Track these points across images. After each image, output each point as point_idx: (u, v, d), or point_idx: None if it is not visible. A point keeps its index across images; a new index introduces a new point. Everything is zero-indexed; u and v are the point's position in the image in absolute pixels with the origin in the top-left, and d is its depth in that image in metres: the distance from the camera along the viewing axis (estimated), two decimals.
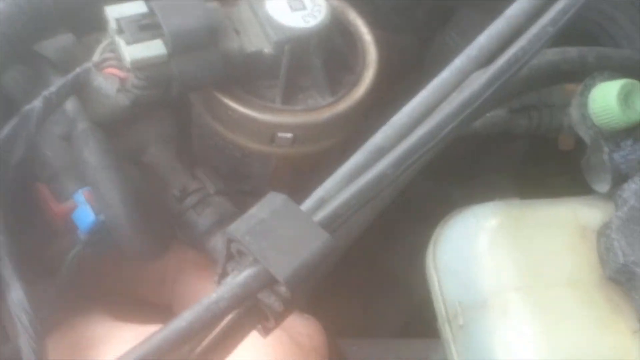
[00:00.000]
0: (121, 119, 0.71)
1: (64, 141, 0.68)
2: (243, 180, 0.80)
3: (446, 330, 0.68)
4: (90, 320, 0.67)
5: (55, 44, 0.74)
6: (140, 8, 0.66)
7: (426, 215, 0.78)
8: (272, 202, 0.49)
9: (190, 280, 0.73)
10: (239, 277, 0.47)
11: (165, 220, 0.71)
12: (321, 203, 0.53)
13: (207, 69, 0.67)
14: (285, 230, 0.48)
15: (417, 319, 0.93)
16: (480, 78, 0.57)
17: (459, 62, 0.60)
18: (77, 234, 0.66)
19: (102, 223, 0.65)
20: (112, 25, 0.65)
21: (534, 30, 0.59)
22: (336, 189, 0.53)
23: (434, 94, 0.59)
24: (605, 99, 0.69)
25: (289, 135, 0.72)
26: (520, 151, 1.13)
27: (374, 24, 0.80)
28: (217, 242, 0.70)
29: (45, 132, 0.68)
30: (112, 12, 0.65)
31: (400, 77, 1.02)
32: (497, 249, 0.68)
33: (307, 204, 0.53)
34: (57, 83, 0.65)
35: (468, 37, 1.00)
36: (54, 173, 0.68)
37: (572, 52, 0.79)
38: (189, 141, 0.81)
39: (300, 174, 0.81)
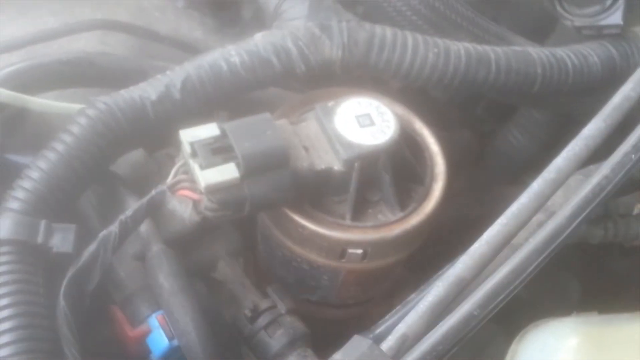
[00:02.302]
0: (192, 236, 0.71)
1: (137, 261, 0.69)
2: (310, 290, 0.79)
3: None
4: None
5: (127, 161, 0.75)
6: (213, 131, 0.67)
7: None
8: (357, 348, 0.48)
9: None
10: None
11: (235, 343, 0.70)
12: (404, 341, 0.51)
13: (279, 190, 0.67)
14: None
15: None
16: (564, 211, 0.55)
17: (536, 186, 0.59)
18: (150, 357, 0.65)
19: (176, 348, 0.64)
20: (186, 148, 0.66)
21: (616, 157, 0.58)
22: (420, 326, 0.52)
23: (513, 220, 0.58)
24: None
25: (359, 251, 0.71)
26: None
27: (432, 120, 0.80)
28: None
29: (119, 253, 0.68)
30: (186, 136, 0.66)
31: (458, 171, 1.02)
32: None
33: (390, 341, 0.52)
34: (132, 207, 0.66)
35: (531, 136, 1.00)
36: (128, 295, 0.68)
37: None
38: (255, 254, 0.81)
39: (368, 284, 0.80)
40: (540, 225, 0.56)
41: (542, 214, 0.60)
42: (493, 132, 1.07)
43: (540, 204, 0.59)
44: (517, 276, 0.52)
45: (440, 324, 0.50)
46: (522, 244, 0.54)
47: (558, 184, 0.60)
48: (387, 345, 0.52)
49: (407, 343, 0.51)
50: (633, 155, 0.57)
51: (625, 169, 0.57)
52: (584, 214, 0.55)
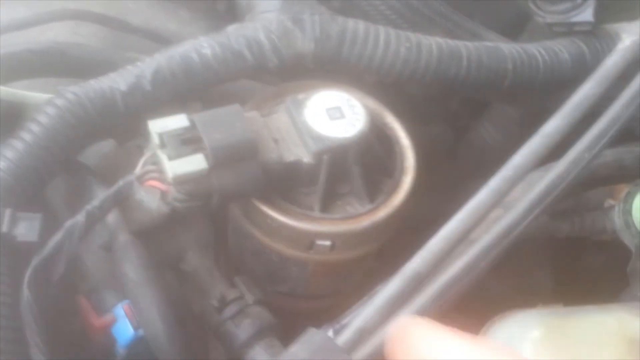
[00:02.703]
0: (159, 226, 0.71)
1: (104, 252, 0.69)
2: (280, 282, 0.79)
3: None
4: None
5: (96, 151, 0.75)
6: (182, 122, 0.67)
7: (463, 305, 0.77)
8: (312, 341, 0.48)
9: None
10: None
11: (201, 331, 0.70)
12: (360, 334, 0.51)
13: (247, 181, 0.67)
14: None
15: None
16: (519, 206, 0.56)
17: (494, 184, 0.60)
18: (116, 347, 0.66)
19: (141, 338, 0.64)
20: (155, 139, 0.66)
21: (570, 156, 0.58)
22: (376, 319, 0.52)
23: (470, 216, 0.58)
24: None
25: (328, 242, 0.71)
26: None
27: (405, 115, 0.81)
28: (256, 354, 0.69)
29: (86, 243, 0.68)
30: (155, 127, 0.66)
31: (431, 166, 1.02)
32: None
33: (346, 335, 0.52)
34: (99, 197, 0.66)
35: (505, 131, 1.01)
36: (93, 285, 0.68)
37: (608, 156, 0.78)
38: (226, 246, 0.81)
39: (337, 276, 0.80)
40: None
41: (501, 209, 0.61)
42: (467, 127, 1.07)
43: (497, 200, 0.59)
44: (471, 270, 0.53)
45: (395, 317, 0.50)
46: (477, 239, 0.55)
47: (515, 180, 0.60)
48: (343, 339, 0.52)
49: (363, 336, 0.51)
50: (586, 154, 0.58)
51: (578, 168, 0.58)
52: (537, 210, 0.56)
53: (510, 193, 0.60)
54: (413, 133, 0.79)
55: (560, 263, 1.10)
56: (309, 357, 0.47)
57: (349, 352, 0.49)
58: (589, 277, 1.17)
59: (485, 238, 0.54)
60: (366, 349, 0.49)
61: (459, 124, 1.09)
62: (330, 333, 0.56)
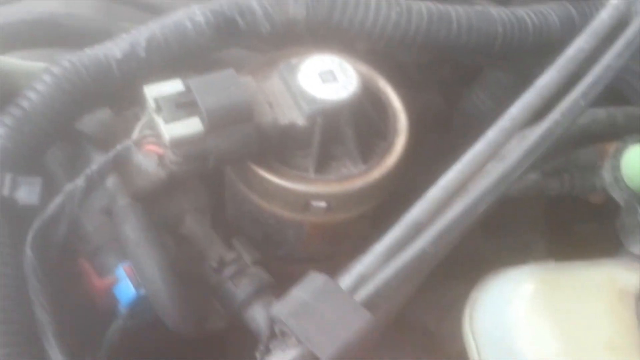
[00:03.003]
0: (158, 191, 0.72)
1: (104, 216, 0.70)
2: (277, 246, 0.81)
3: None
4: None
5: (94, 119, 0.76)
6: (177, 86, 0.68)
7: (458, 270, 0.78)
8: (313, 283, 0.50)
9: None
10: (283, 358, 0.48)
11: (201, 292, 0.72)
12: (361, 280, 0.53)
13: (243, 144, 0.68)
14: (327, 311, 0.49)
15: None
16: (515, 152, 0.57)
17: (491, 134, 0.61)
18: (119, 307, 0.67)
19: (143, 297, 0.66)
20: (151, 104, 0.67)
21: (566, 103, 0.60)
22: (375, 265, 0.54)
23: (468, 167, 0.60)
24: (637, 162, 0.69)
25: (323, 204, 0.73)
26: (549, 201, 1.13)
27: (398, 82, 0.82)
28: (255, 313, 0.70)
29: (86, 208, 0.69)
30: (151, 92, 0.67)
31: (426, 134, 1.03)
32: (535, 315, 0.67)
33: (347, 281, 0.54)
34: (98, 161, 0.67)
35: (496, 98, 1.02)
36: (95, 248, 0.69)
37: (601, 113, 0.80)
38: (223, 210, 0.82)
39: (333, 239, 0.82)
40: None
41: (497, 162, 0.62)
42: (459, 94, 1.08)
43: (494, 151, 0.61)
44: (469, 215, 0.54)
45: (394, 259, 0.52)
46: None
47: (512, 132, 0.62)
48: (344, 284, 0.54)
49: (364, 281, 0.53)
50: (582, 102, 0.59)
51: (574, 114, 0.59)
52: (533, 157, 0.57)
53: (506, 145, 0.61)
54: (405, 100, 0.80)
55: (554, 231, 1.11)
56: (310, 298, 0.48)
57: (350, 294, 0.50)
58: (581, 244, 1.18)
59: (482, 184, 0.55)
60: (366, 290, 0.50)
61: (450, 91, 1.10)
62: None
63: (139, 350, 0.71)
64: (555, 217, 1.11)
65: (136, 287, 0.66)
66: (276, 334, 0.51)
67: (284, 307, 0.49)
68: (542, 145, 0.58)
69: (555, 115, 0.59)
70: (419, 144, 0.82)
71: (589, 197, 0.93)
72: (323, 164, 0.73)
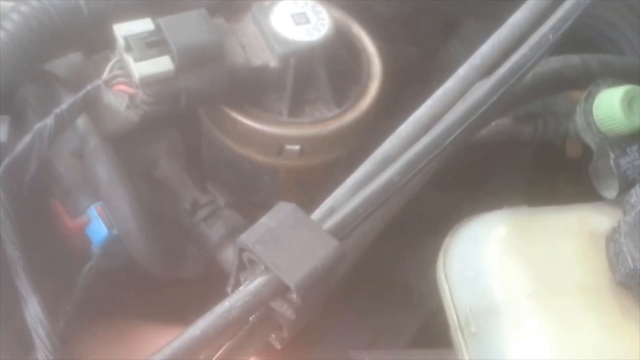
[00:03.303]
0: (131, 134, 0.72)
1: (76, 157, 0.70)
2: (253, 192, 0.81)
3: (458, 338, 0.68)
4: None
5: (65, 62, 0.75)
6: (147, 25, 0.67)
7: (435, 224, 0.79)
8: (282, 211, 0.50)
9: None
10: (250, 285, 0.48)
11: (176, 235, 0.72)
12: (331, 212, 0.53)
13: (214, 84, 0.68)
14: (295, 238, 0.49)
15: (430, 328, 0.93)
16: (483, 86, 0.57)
17: (462, 72, 0.61)
18: (91, 248, 0.67)
19: (115, 237, 0.65)
20: (121, 42, 0.66)
21: (535, 38, 0.60)
22: (345, 198, 0.54)
23: (439, 103, 0.60)
24: (609, 105, 0.69)
25: (297, 147, 0.73)
26: (528, 159, 1.13)
27: (376, 35, 0.82)
28: (229, 254, 0.71)
29: (57, 149, 0.69)
30: (120, 30, 0.67)
31: (404, 88, 1.03)
32: (507, 257, 0.68)
33: (317, 213, 0.54)
34: (68, 100, 0.66)
35: (472, 48, 1.01)
36: (67, 189, 0.69)
37: (575, 59, 0.79)
38: (199, 155, 0.82)
39: (308, 185, 0.81)
40: None
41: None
42: (437, 48, 1.08)
43: (465, 87, 0.61)
44: (437, 146, 0.54)
45: (363, 189, 0.52)
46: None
47: (483, 70, 0.62)
48: (314, 216, 0.54)
49: (333, 212, 0.53)
50: (551, 36, 0.59)
51: (543, 49, 0.59)
52: (502, 90, 0.57)
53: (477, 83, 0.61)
54: (383, 53, 0.80)
55: (535, 193, 1.11)
56: (278, 226, 0.48)
57: (319, 223, 0.50)
58: (560, 202, 1.19)
59: (451, 116, 0.55)
60: (334, 219, 0.50)
61: (429, 45, 1.10)
62: None
63: (113, 292, 0.71)
64: (534, 176, 1.12)
65: (108, 227, 0.66)
66: (245, 263, 0.51)
67: (251, 235, 0.49)
68: (510, 80, 0.58)
69: (523, 49, 0.59)
70: (396, 96, 0.82)
71: (567, 152, 0.93)
72: (297, 107, 0.73)
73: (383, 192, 0.52)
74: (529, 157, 1.13)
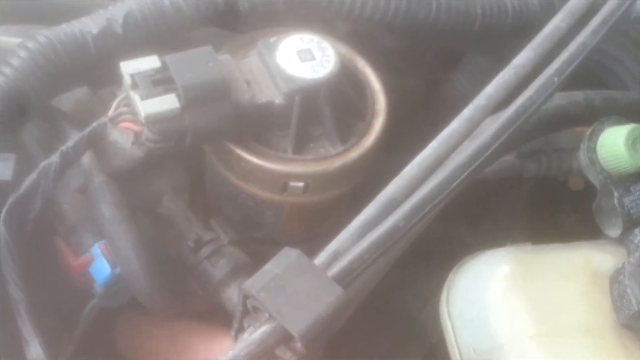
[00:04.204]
0: (135, 171, 0.72)
1: (80, 194, 0.69)
2: (255, 227, 0.80)
3: None
4: None
5: (70, 97, 0.76)
6: (153, 63, 0.67)
7: (438, 257, 0.79)
8: (287, 258, 0.50)
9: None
10: (255, 333, 0.48)
11: (179, 272, 0.72)
12: (335, 256, 0.53)
13: (220, 121, 0.68)
14: (300, 286, 0.49)
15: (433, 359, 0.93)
16: (489, 129, 0.58)
17: (467, 113, 0.62)
18: (94, 287, 0.67)
19: (119, 276, 0.65)
20: (127, 80, 0.67)
21: (540, 80, 0.60)
22: (350, 242, 0.54)
23: (444, 144, 0.60)
24: (613, 144, 0.69)
25: (301, 184, 0.73)
26: (530, 191, 1.13)
27: (379, 67, 0.82)
28: (232, 293, 0.70)
29: (62, 186, 0.69)
30: (127, 68, 0.67)
31: (406, 119, 1.03)
32: (511, 297, 0.68)
33: (321, 257, 0.54)
34: (73, 138, 0.66)
35: (476, 83, 1.02)
36: (71, 226, 0.69)
37: (579, 96, 0.80)
38: (202, 190, 0.82)
39: (311, 220, 0.81)
40: None
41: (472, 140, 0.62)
42: (440, 79, 1.08)
43: (471, 129, 0.61)
44: (442, 190, 0.54)
45: (368, 235, 0.52)
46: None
47: (487, 111, 0.62)
48: (318, 260, 0.53)
49: (337, 257, 0.53)
50: (556, 79, 0.59)
51: (548, 91, 0.59)
52: (507, 133, 0.57)
53: (482, 123, 0.61)
54: (386, 85, 0.80)
55: (536, 222, 1.11)
56: (283, 273, 0.48)
57: (323, 269, 0.50)
58: (563, 235, 1.19)
59: (456, 160, 0.55)
60: (339, 265, 0.50)
61: (432, 76, 1.10)
62: None
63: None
64: (536, 207, 1.12)
65: (112, 266, 0.65)
66: (249, 310, 0.51)
67: (256, 282, 0.49)
68: (516, 122, 0.58)
69: (529, 92, 0.59)
70: (398, 128, 0.82)
71: (569, 184, 0.93)
72: (301, 144, 0.73)
73: (388, 237, 0.52)
74: (530, 187, 1.13)
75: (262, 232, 0.81)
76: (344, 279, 0.50)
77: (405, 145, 1.01)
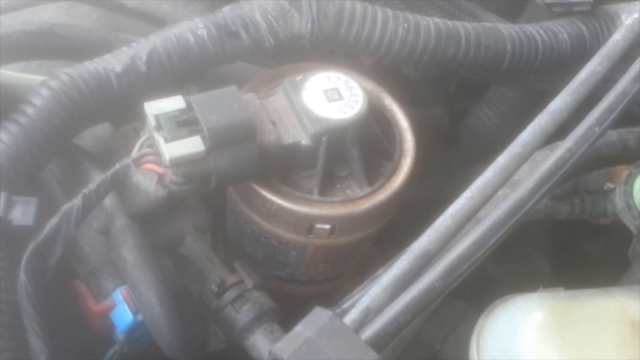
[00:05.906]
0: (158, 210, 0.70)
1: (102, 236, 0.68)
2: (279, 267, 0.79)
3: None
4: None
5: (92, 134, 0.74)
6: (178, 103, 0.66)
7: (465, 290, 0.76)
8: (318, 320, 0.48)
9: None
10: None
11: (201, 316, 0.70)
12: (367, 313, 0.51)
13: (245, 163, 0.66)
14: (332, 351, 0.47)
15: None
16: (527, 182, 0.55)
17: (502, 161, 0.59)
18: (115, 333, 0.65)
19: (140, 323, 0.63)
20: (151, 121, 0.65)
21: (580, 130, 0.58)
22: (382, 298, 0.52)
23: (478, 194, 0.58)
24: None
25: (327, 226, 0.71)
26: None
27: (404, 98, 0.80)
28: (256, 340, 0.68)
29: (83, 227, 0.67)
30: (151, 109, 0.65)
31: (432, 150, 1.02)
32: (543, 345, 0.65)
33: (353, 315, 0.52)
34: (96, 180, 0.65)
35: (501, 114, 1.00)
36: (92, 269, 0.67)
37: (612, 135, 0.78)
38: (225, 231, 0.80)
39: (336, 260, 0.80)
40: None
41: (508, 188, 0.60)
42: (465, 110, 1.07)
43: (506, 177, 0.59)
44: (479, 248, 0.52)
45: (402, 295, 0.50)
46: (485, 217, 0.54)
47: (523, 158, 0.60)
48: (350, 318, 0.51)
49: (370, 315, 0.51)
50: (596, 129, 0.57)
51: (588, 142, 0.57)
52: (547, 187, 0.55)
53: (518, 171, 0.59)
54: (411, 116, 0.78)
55: (560, 249, 1.09)
56: (315, 336, 0.46)
57: (356, 331, 0.48)
58: (588, 262, 1.16)
59: (494, 215, 0.53)
60: (373, 328, 0.48)
61: (456, 107, 1.09)
62: (336, 312, 0.55)
63: None
64: (562, 235, 1.10)
65: (134, 312, 0.64)
66: None
67: (287, 346, 0.47)
68: (555, 175, 0.56)
69: (568, 142, 0.57)
70: (424, 160, 0.80)
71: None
72: (327, 185, 0.71)
73: (424, 298, 0.50)
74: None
75: (285, 271, 0.79)
76: (378, 342, 0.48)
77: (430, 175, 1.00)
